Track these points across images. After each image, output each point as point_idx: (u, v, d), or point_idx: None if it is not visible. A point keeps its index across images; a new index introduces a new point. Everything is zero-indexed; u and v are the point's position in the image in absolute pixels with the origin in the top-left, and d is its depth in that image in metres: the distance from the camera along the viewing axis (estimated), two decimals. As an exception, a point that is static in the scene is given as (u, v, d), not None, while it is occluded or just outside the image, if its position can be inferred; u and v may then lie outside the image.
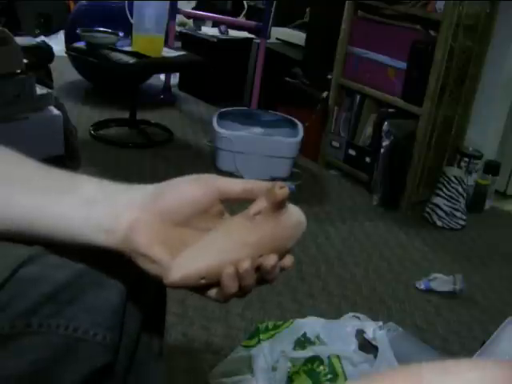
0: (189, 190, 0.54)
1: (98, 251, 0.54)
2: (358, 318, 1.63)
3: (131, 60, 2.53)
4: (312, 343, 1.43)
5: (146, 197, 0.53)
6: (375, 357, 1.48)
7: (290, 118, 2.76)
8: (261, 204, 0.53)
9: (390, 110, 2.47)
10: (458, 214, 2.34)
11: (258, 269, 0.53)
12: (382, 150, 2.40)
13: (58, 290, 0.54)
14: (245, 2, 3.96)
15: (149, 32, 2.63)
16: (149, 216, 0.52)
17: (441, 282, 1.88)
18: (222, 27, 3.63)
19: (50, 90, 2.21)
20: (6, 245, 0.54)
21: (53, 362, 0.55)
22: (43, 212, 0.53)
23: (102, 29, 2.84)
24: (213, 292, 0.54)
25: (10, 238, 0.54)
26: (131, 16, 2.74)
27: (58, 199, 0.54)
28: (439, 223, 2.35)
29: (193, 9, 4.19)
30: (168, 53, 2.75)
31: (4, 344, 0.53)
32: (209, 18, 3.84)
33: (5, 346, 0.53)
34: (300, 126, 2.66)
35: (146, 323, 0.63)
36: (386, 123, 2.38)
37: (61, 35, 3.95)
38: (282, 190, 0.51)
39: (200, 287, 0.53)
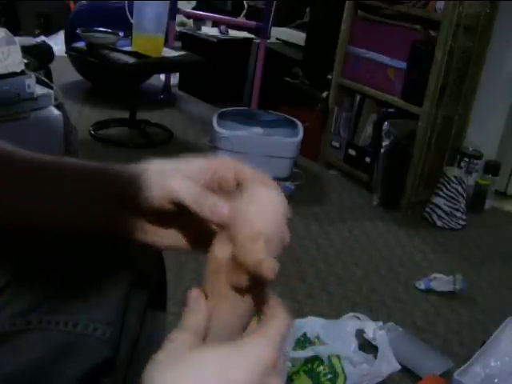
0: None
1: (104, 244, 0.53)
2: (358, 318, 1.63)
3: (131, 60, 2.53)
4: (312, 343, 1.43)
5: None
6: (375, 357, 1.48)
7: (290, 118, 2.75)
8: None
9: (390, 110, 2.46)
10: (458, 214, 2.34)
11: None
12: (382, 150, 2.40)
13: (58, 287, 0.54)
14: (245, 2, 3.96)
15: (149, 32, 2.63)
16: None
17: (441, 282, 1.88)
18: (222, 27, 3.63)
19: (50, 90, 2.21)
20: None
21: (53, 358, 0.55)
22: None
23: (102, 29, 2.83)
24: None
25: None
26: (131, 16, 2.74)
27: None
28: (439, 223, 2.35)
29: (193, 9, 4.18)
30: (168, 53, 2.75)
31: (4, 342, 0.53)
32: (209, 17, 3.84)
33: (5, 344, 0.53)
34: (300, 126, 2.66)
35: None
36: (385, 123, 2.38)
37: (61, 35, 3.94)
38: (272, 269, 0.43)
39: None
